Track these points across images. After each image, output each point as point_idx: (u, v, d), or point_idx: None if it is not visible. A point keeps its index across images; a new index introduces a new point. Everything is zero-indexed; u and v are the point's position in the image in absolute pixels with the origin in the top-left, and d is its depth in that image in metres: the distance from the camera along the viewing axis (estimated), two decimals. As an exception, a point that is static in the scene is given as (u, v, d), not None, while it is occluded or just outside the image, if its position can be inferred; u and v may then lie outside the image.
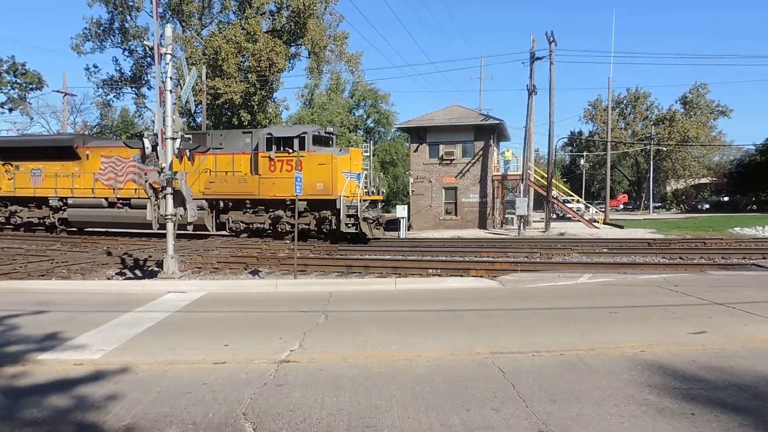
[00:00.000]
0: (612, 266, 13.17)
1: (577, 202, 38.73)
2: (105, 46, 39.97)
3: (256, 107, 38.04)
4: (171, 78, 11.32)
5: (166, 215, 11.25)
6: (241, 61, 36.21)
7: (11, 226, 24.43)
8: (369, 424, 3.83)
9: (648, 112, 65.88)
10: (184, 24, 37.89)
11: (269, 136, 20.53)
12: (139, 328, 6.84)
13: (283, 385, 4.67)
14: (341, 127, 47.45)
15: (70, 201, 23.14)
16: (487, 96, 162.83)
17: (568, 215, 35.24)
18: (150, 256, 15.26)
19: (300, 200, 20.06)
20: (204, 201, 21.05)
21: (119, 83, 41.48)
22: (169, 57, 11.21)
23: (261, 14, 36.91)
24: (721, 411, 3.99)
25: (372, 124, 61.81)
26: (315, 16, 36.33)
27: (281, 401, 4.29)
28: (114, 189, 22.35)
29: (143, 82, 40.85)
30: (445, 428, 3.77)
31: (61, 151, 23.21)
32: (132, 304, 8.40)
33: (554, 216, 33.08)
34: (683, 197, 67.04)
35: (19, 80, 46.24)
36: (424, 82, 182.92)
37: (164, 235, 11.45)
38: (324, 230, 20.70)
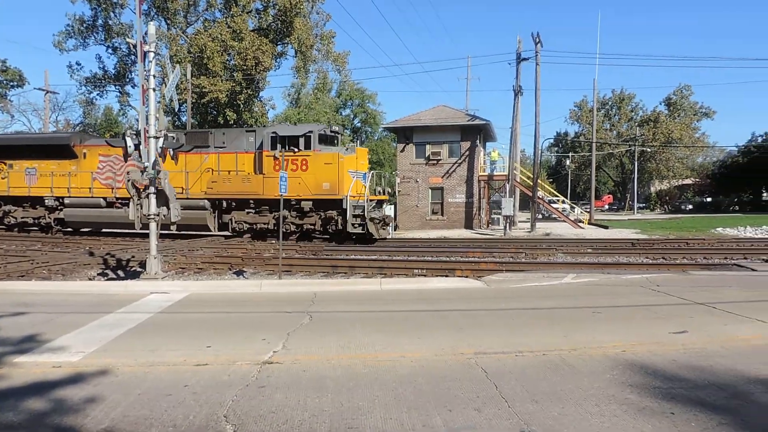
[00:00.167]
0: (596, 266, 13.28)
1: (563, 202, 39.07)
2: (88, 43, 39.40)
3: (242, 106, 37.82)
4: (154, 76, 11.22)
5: (148, 215, 11.15)
6: (227, 60, 35.95)
7: (4, 227, 23.90)
8: (351, 426, 3.82)
9: (633, 114, 66.74)
10: (169, 22, 37.50)
11: (274, 135, 20.16)
12: (120, 329, 6.76)
13: (265, 386, 4.64)
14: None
15: (66, 201, 22.59)
16: (473, 96, 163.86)
17: (553, 215, 35.52)
18: (133, 257, 15.08)
19: (306, 200, 20.06)
20: (206, 201, 20.79)
21: (103, 81, 40.87)
22: (152, 55, 11.11)
23: (247, 12, 36.71)
24: (701, 410, 4.04)
25: (359, 124, 61.85)
26: (302, 14, 36.24)
27: (263, 403, 4.25)
28: (113, 188, 21.86)
29: (127, 79, 40.32)
30: (427, 429, 3.77)
31: (57, 149, 22.63)
32: (114, 305, 8.29)
33: (540, 216, 33.32)
34: (667, 198, 67.96)
35: (-1, 77, 45.52)
36: (411, 82, 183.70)
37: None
38: (330, 230, 20.48)
